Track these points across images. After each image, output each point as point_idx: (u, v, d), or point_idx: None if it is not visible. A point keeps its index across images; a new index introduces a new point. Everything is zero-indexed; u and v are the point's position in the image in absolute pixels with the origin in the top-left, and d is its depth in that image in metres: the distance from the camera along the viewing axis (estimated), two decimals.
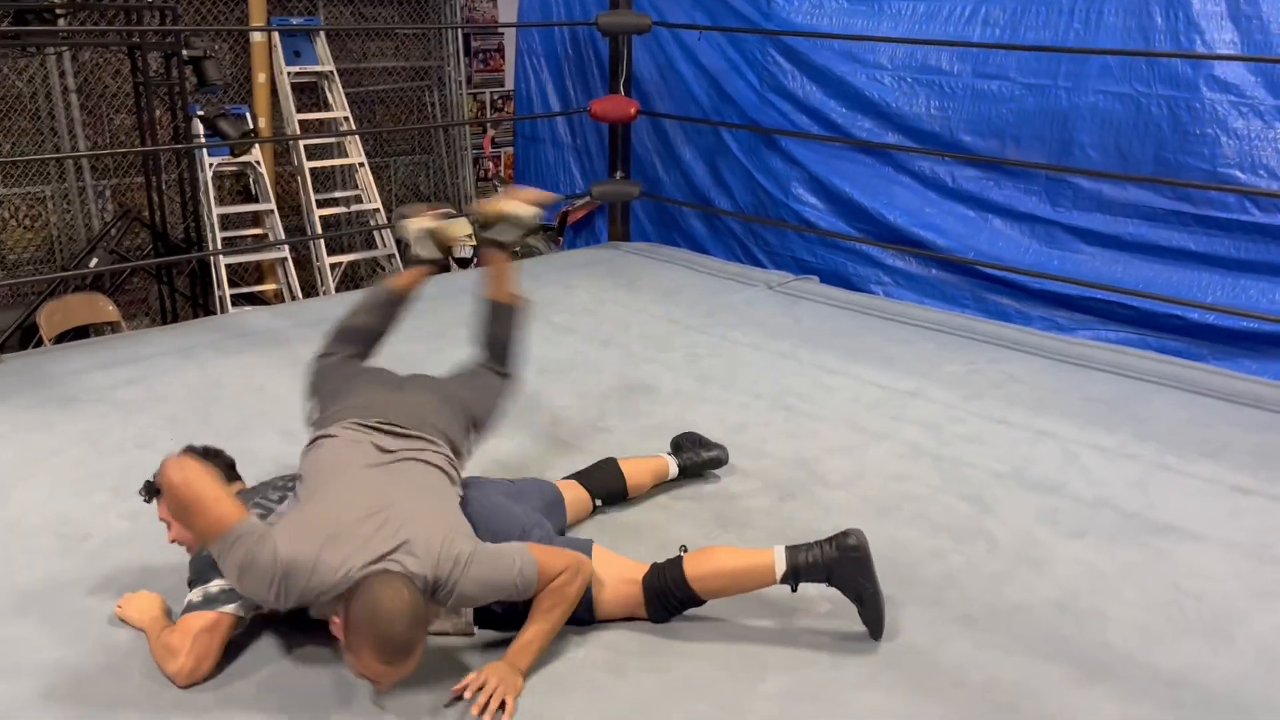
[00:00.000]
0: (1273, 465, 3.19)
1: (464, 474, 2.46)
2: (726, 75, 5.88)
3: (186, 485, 1.94)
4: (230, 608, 2.13)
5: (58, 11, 5.58)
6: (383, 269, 6.86)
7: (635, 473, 2.91)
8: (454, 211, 3.04)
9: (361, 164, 6.67)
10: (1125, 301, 4.58)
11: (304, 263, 6.60)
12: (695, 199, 6.22)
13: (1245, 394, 3.79)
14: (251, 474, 2.69)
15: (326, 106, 6.75)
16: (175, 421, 3.49)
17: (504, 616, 2.25)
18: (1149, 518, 2.88)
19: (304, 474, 2.26)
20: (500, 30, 7.85)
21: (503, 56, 8.04)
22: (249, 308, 5.74)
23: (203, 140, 5.84)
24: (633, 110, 5.85)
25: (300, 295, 6.10)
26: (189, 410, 3.60)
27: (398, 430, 2.35)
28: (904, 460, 3.25)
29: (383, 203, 6.78)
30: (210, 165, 6.01)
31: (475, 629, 2.26)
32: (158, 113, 6.17)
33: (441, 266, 3.02)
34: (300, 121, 6.49)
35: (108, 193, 6.43)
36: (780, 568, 2.26)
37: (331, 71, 6.62)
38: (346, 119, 6.69)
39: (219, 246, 6.04)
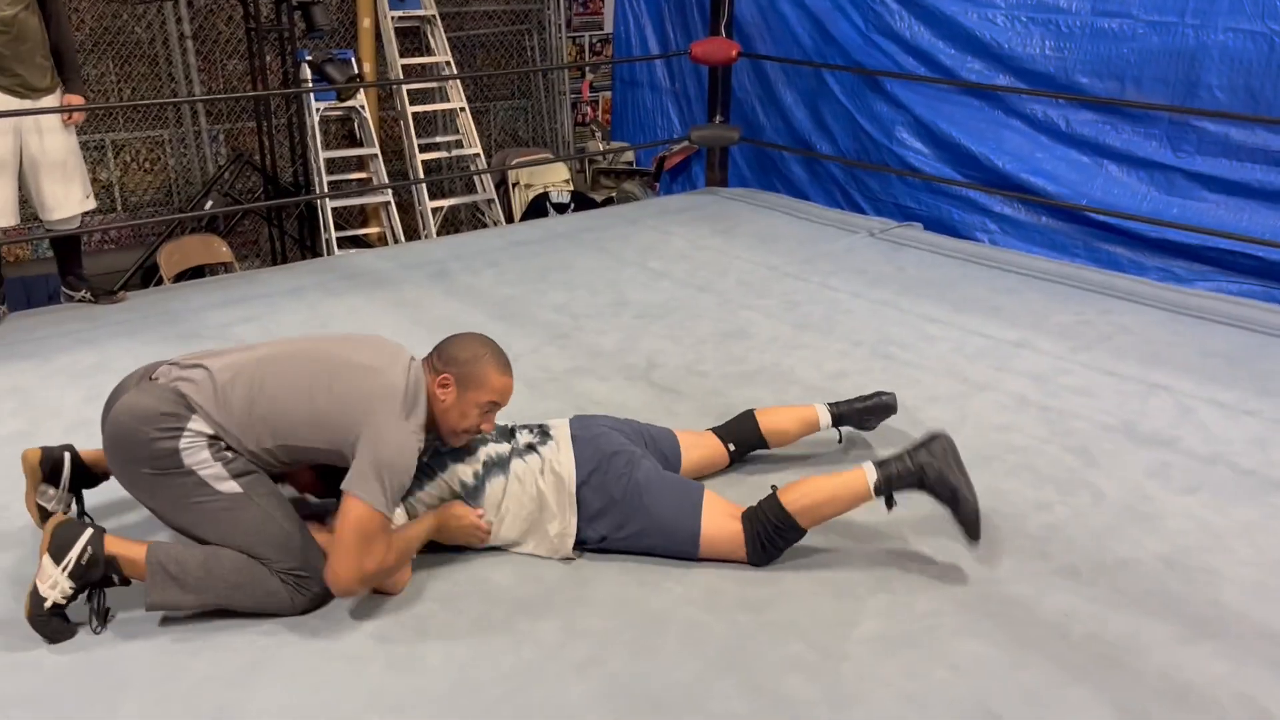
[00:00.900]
0: None
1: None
2: (830, 16, 5.74)
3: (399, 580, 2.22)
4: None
5: None
6: (481, 214, 6.95)
7: (774, 420, 2.79)
8: None
9: (462, 109, 6.73)
10: (1250, 251, 4.38)
11: (406, 206, 6.73)
12: (795, 143, 6.12)
13: None
14: None
15: (429, 51, 6.82)
16: None
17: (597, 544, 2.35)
18: (1268, 475, 2.77)
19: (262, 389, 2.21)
20: None
21: (602, 0, 7.98)
22: (354, 250, 5.90)
23: (310, 85, 5.97)
24: (734, 52, 5.76)
25: (403, 238, 6.23)
26: None
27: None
28: (1008, 411, 3.18)
29: (483, 148, 6.85)
30: (317, 110, 6.14)
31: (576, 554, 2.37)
32: (268, 58, 6.33)
33: None
34: (403, 66, 6.58)
35: (221, 137, 6.64)
36: (872, 479, 2.28)
37: (434, 16, 6.67)
38: (448, 64, 6.75)
39: (325, 190, 6.19)
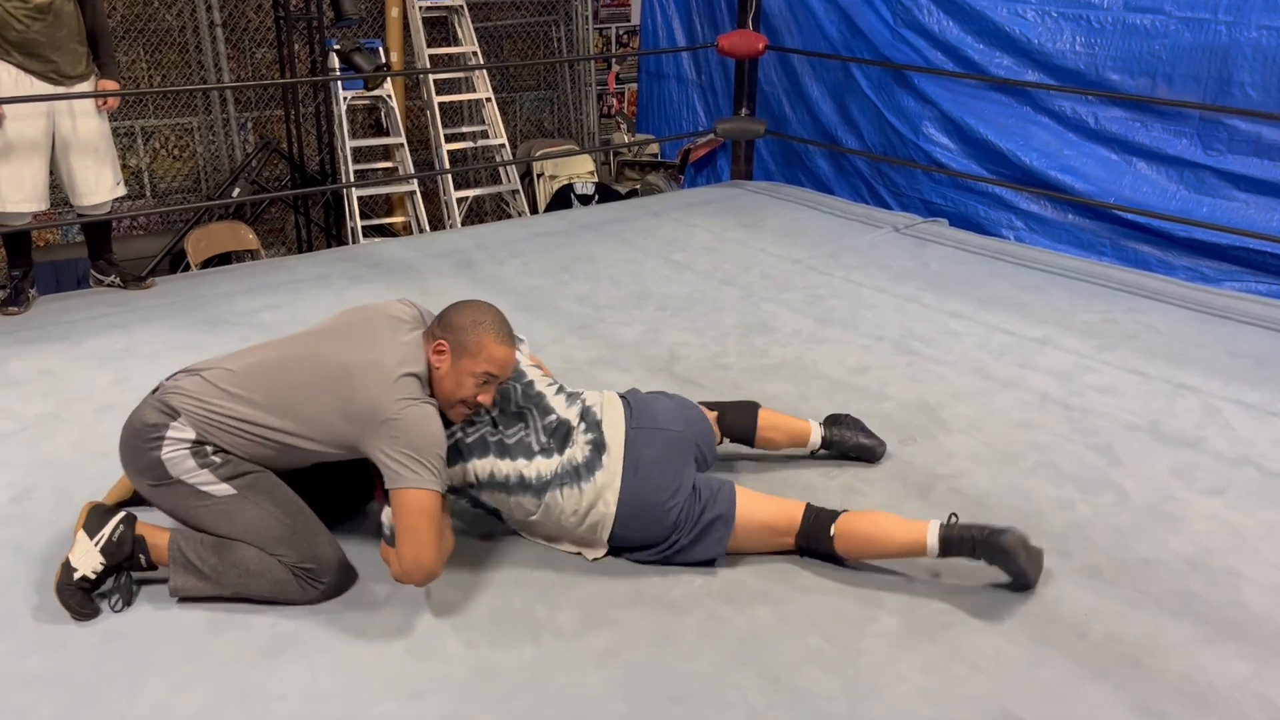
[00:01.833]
0: None
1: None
2: (859, 10, 5.71)
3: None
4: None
5: None
6: (506, 204, 6.96)
7: (770, 425, 2.73)
8: None
9: (489, 99, 6.75)
10: None
11: (431, 196, 6.76)
12: (821, 137, 6.10)
13: None
14: None
15: (456, 41, 6.84)
16: None
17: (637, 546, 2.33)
18: None
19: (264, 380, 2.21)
20: None
21: None
22: (379, 239, 5.93)
23: (338, 73, 6.00)
24: (761, 45, 5.74)
25: (428, 228, 6.26)
26: None
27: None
28: (1031, 408, 3.16)
29: (508, 138, 6.86)
30: (345, 99, 6.17)
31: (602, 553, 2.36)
32: (296, 47, 6.36)
33: None
34: (430, 56, 6.60)
35: (249, 125, 6.69)
36: (933, 547, 2.22)
37: (461, 5, 6.69)
38: (475, 54, 6.76)
39: (352, 179, 6.23)
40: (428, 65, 6.58)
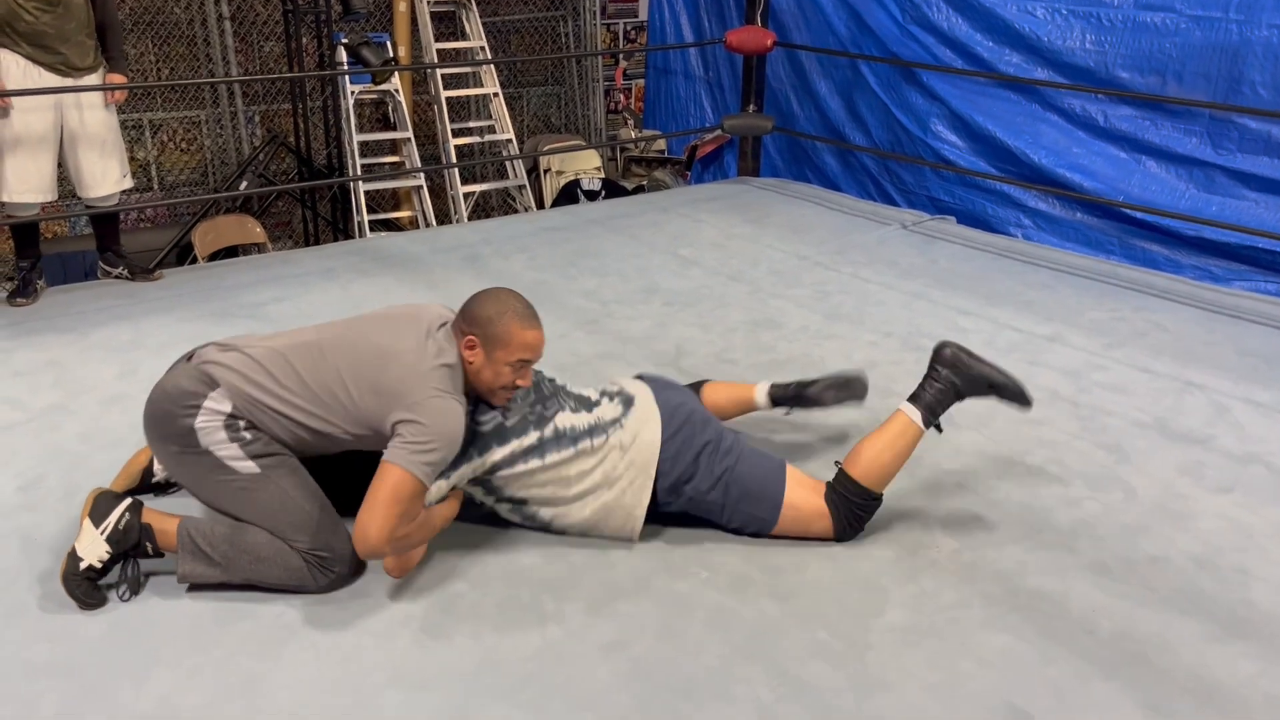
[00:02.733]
0: None
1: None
2: (867, 6, 5.70)
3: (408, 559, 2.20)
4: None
5: None
6: (513, 199, 6.96)
7: (713, 397, 2.74)
8: None
9: (496, 94, 6.74)
10: None
11: (438, 191, 6.76)
12: (829, 134, 6.09)
13: None
14: None
15: (463, 36, 6.83)
16: None
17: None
18: None
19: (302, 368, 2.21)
20: None
21: None
22: (385, 233, 5.93)
23: (345, 67, 6.00)
24: (769, 42, 5.73)
25: (434, 222, 6.26)
26: None
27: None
28: (1039, 405, 3.12)
29: (515, 133, 6.86)
30: (352, 93, 6.17)
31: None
32: (304, 40, 6.36)
33: None
34: (438, 50, 6.60)
35: (257, 118, 6.69)
36: (917, 417, 2.35)
37: (469, 0, 6.68)
38: (482, 49, 6.76)
39: (359, 173, 6.23)
40: (435, 60, 6.58)
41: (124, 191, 4.23)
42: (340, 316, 3.78)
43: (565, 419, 2.34)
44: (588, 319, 3.88)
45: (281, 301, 4.04)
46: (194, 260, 5.70)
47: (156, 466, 2.53)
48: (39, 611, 2.15)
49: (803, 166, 6.37)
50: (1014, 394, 2.40)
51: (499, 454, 2.27)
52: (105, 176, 4.06)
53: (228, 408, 2.14)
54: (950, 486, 2.67)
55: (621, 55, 8.09)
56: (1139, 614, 2.17)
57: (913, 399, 2.38)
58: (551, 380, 2.49)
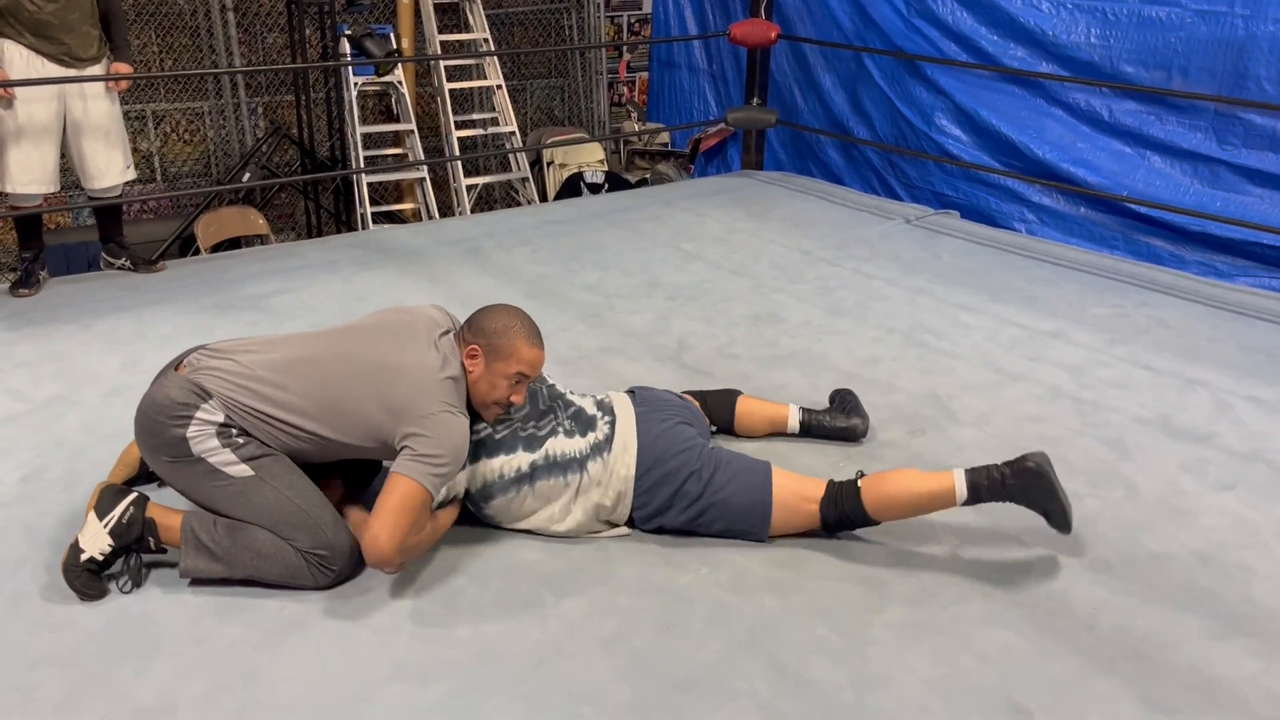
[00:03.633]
0: None
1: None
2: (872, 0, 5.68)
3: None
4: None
5: None
6: (515, 192, 6.95)
7: (748, 412, 2.82)
8: None
9: (499, 86, 6.73)
10: None
11: (441, 183, 6.75)
12: (833, 128, 6.07)
13: None
14: None
15: (467, 28, 6.82)
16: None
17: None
18: None
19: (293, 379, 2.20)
20: None
21: None
22: (388, 225, 5.92)
23: (349, 59, 5.99)
24: (773, 35, 5.72)
25: (437, 215, 6.25)
26: (335, 319, 3.75)
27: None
28: (1041, 402, 3.15)
29: (518, 126, 6.85)
30: (355, 84, 6.17)
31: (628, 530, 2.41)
32: (307, 32, 6.35)
33: None
34: (441, 42, 6.59)
35: (260, 109, 6.69)
36: (962, 492, 2.27)
37: None
38: (486, 40, 6.75)
39: (362, 165, 6.22)
40: (439, 51, 6.57)
41: (127, 183, 4.23)
42: (343, 309, 3.82)
43: (559, 444, 2.35)
44: (590, 312, 3.88)
45: (284, 294, 4.04)
46: (196, 252, 5.70)
47: None
48: (40, 601, 2.15)
49: (806, 160, 6.36)
50: (1060, 521, 2.29)
51: (488, 471, 2.30)
52: (109, 167, 4.06)
53: (220, 417, 2.14)
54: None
55: (625, 48, 8.07)
56: (1140, 611, 2.17)
57: (970, 472, 2.29)
58: (551, 386, 2.50)
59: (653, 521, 2.39)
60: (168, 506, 2.22)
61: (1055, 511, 2.28)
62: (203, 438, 2.13)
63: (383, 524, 2.07)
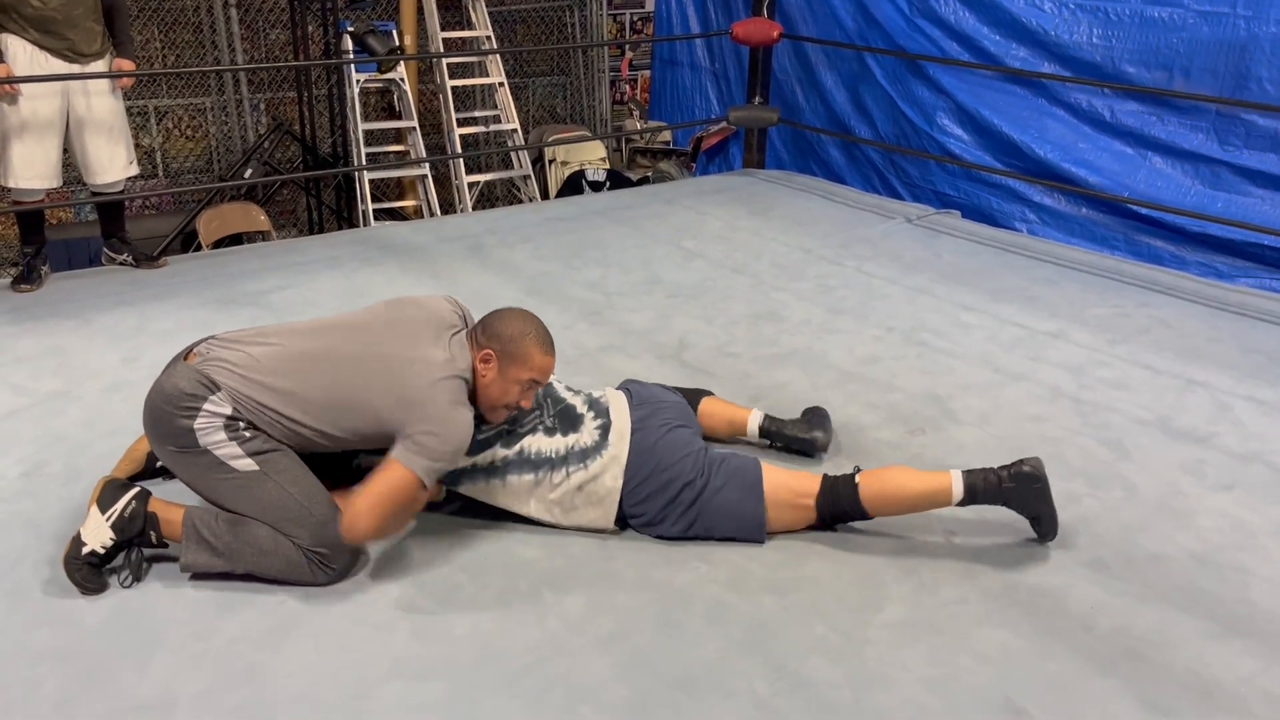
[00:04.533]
0: None
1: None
2: None
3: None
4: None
5: None
6: (517, 190, 6.95)
7: (710, 413, 2.75)
8: None
9: (501, 84, 6.73)
10: None
11: (443, 180, 6.75)
12: (834, 127, 6.07)
13: None
14: None
15: (469, 25, 6.82)
16: None
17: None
18: None
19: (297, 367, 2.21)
20: None
21: None
22: (389, 222, 5.93)
23: (351, 56, 5.99)
24: (775, 34, 5.72)
25: (439, 212, 6.25)
26: None
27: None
28: (1041, 402, 3.15)
29: (520, 124, 6.85)
30: (358, 81, 6.17)
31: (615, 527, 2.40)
32: (310, 28, 6.35)
33: None
34: (444, 39, 6.59)
35: (262, 106, 6.69)
36: (959, 493, 2.29)
37: None
38: (488, 38, 6.75)
39: (364, 162, 6.23)
40: (441, 49, 6.57)
41: (130, 178, 4.23)
42: (344, 305, 3.82)
43: (534, 442, 2.35)
44: (591, 310, 3.88)
45: (285, 290, 4.04)
46: (198, 248, 5.70)
47: None
48: (41, 596, 2.16)
49: (808, 159, 6.36)
50: (1049, 526, 2.35)
51: (463, 461, 2.32)
52: (112, 163, 4.07)
53: (228, 410, 2.14)
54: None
55: (627, 46, 8.07)
56: (1138, 611, 2.17)
57: (968, 473, 2.31)
58: (548, 384, 2.49)
59: (649, 530, 2.38)
60: (170, 501, 2.23)
61: (1045, 516, 2.32)
62: (209, 430, 2.13)
63: (369, 507, 2.09)
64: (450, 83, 6.52)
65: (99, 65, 3.95)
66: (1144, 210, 4.70)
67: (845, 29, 5.85)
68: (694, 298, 4.03)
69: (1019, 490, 2.29)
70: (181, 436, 2.15)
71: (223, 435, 2.14)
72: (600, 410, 2.44)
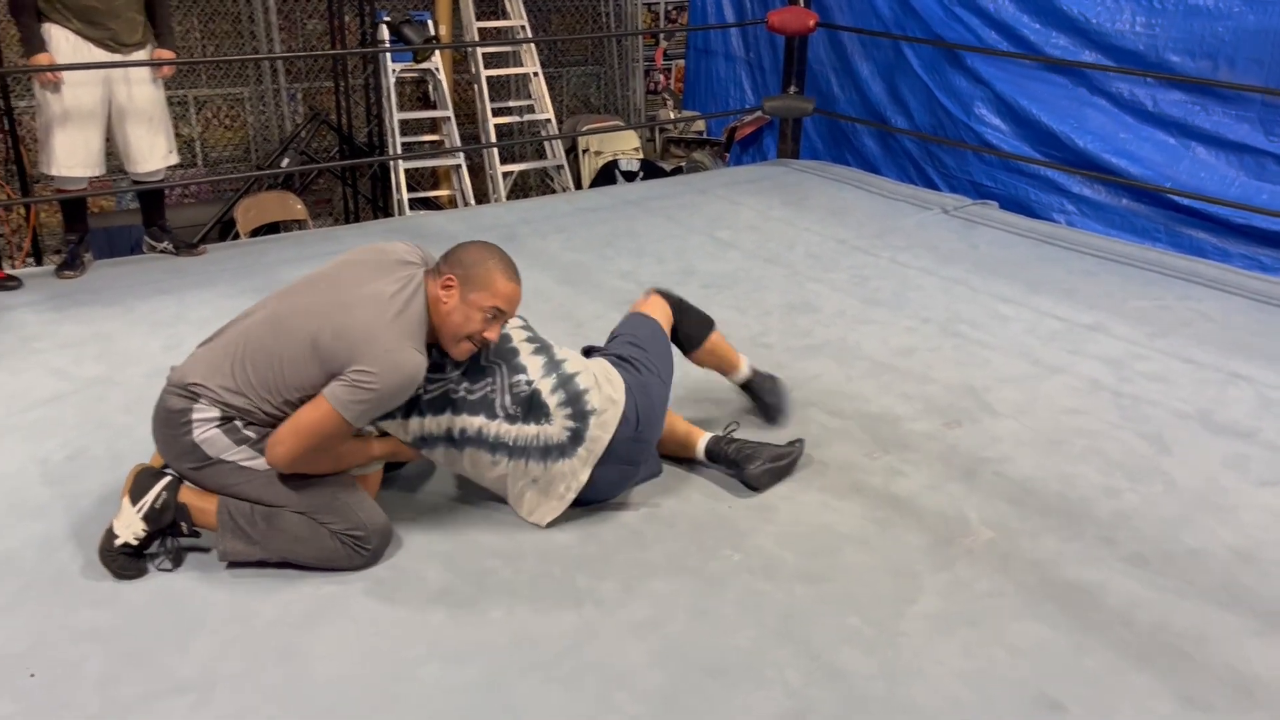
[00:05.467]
0: None
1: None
2: None
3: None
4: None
5: None
6: (551, 180, 6.97)
7: (710, 350, 2.77)
8: None
9: (536, 74, 6.74)
10: None
11: (477, 170, 6.78)
12: (870, 117, 6.02)
13: None
14: None
15: (504, 15, 6.83)
16: None
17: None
18: None
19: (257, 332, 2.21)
20: None
21: None
22: (424, 211, 5.96)
23: (387, 46, 6.02)
24: (812, 23, 5.68)
25: (473, 201, 6.28)
26: None
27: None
28: (1080, 395, 3.12)
29: (554, 113, 6.85)
30: (393, 71, 6.20)
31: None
32: (347, 18, 6.39)
33: None
34: (479, 29, 6.60)
35: (299, 95, 6.74)
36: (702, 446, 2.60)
37: None
38: (523, 28, 6.75)
39: (399, 151, 6.26)
40: (476, 39, 6.58)
41: (169, 167, 4.28)
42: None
43: (493, 426, 2.29)
44: (624, 300, 3.87)
45: None
46: (236, 236, 5.77)
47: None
48: (83, 578, 2.19)
49: (843, 149, 6.32)
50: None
51: (417, 426, 2.29)
52: (153, 152, 4.12)
53: (216, 413, 2.16)
54: (987, 474, 2.65)
55: (662, 35, 8.05)
56: (1177, 606, 2.14)
57: (714, 440, 2.61)
58: (502, 340, 2.37)
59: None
60: (202, 490, 2.25)
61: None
62: (212, 439, 2.15)
63: (290, 436, 2.10)
64: (485, 72, 6.54)
65: (140, 55, 4.00)
66: (1187, 201, 4.62)
67: (882, 18, 5.79)
68: (727, 288, 4.02)
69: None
70: (191, 453, 2.17)
71: (227, 441, 2.16)
72: (575, 401, 2.30)
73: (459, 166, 6.41)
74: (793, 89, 6.00)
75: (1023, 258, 4.39)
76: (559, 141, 6.89)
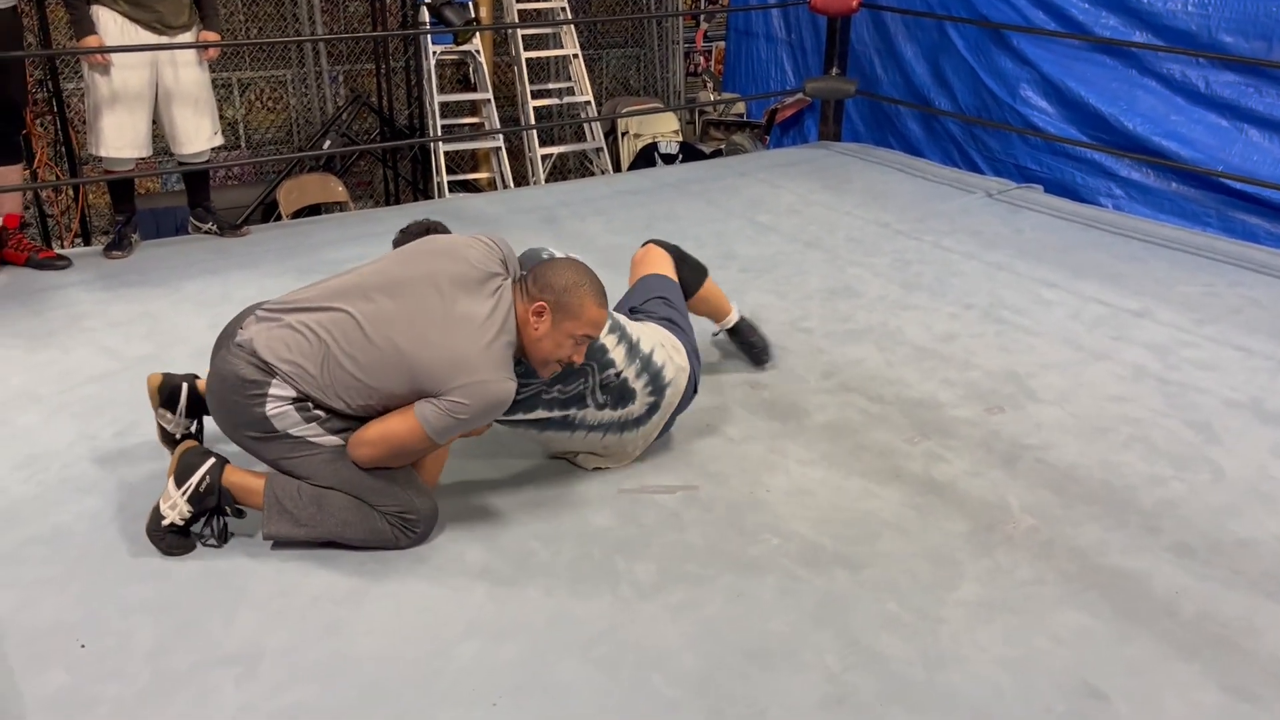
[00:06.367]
0: None
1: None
2: None
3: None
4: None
5: None
6: (590, 162, 6.96)
7: (704, 297, 2.97)
8: None
9: (575, 55, 6.72)
10: None
11: (516, 153, 6.78)
12: (913, 99, 5.95)
13: None
14: None
15: None
16: None
17: None
18: None
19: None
20: None
21: None
22: (464, 194, 5.98)
23: (428, 28, 6.04)
24: (855, 3, 5.61)
25: (512, 184, 6.29)
26: None
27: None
28: (1125, 381, 3.07)
29: (594, 96, 6.84)
30: (434, 53, 6.21)
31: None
32: (388, 1, 6.41)
33: None
34: (519, 11, 6.59)
35: (341, 78, 6.78)
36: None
37: None
38: (563, 10, 6.74)
39: (439, 134, 6.28)
40: (516, 21, 6.58)
41: (214, 149, 4.34)
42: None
43: (582, 414, 2.41)
44: None
45: (365, 259, 4.08)
46: (279, 217, 5.83)
47: (174, 427, 2.47)
48: (133, 552, 2.24)
49: (885, 132, 6.25)
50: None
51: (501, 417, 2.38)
52: (198, 133, 4.17)
53: (292, 392, 2.16)
54: (1029, 461, 2.62)
55: (702, 17, 8.00)
56: (1225, 596, 2.11)
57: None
58: (610, 325, 2.42)
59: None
60: (248, 470, 2.27)
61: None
62: (283, 414, 2.16)
63: (376, 441, 2.15)
64: (525, 54, 6.54)
65: (186, 37, 4.04)
66: (1239, 185, 4.53)
67: None
68: (767, 271, 4.00)
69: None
70: (259, 424, 2.17)
71: (298, 417, 2.17)
72: (653, 373, 2.47)
73: (498, 149, 6.42)
74: (835, 70, 5.94)
75: (1068, 242, 4.32)
76: (598, 124, 6.88)
